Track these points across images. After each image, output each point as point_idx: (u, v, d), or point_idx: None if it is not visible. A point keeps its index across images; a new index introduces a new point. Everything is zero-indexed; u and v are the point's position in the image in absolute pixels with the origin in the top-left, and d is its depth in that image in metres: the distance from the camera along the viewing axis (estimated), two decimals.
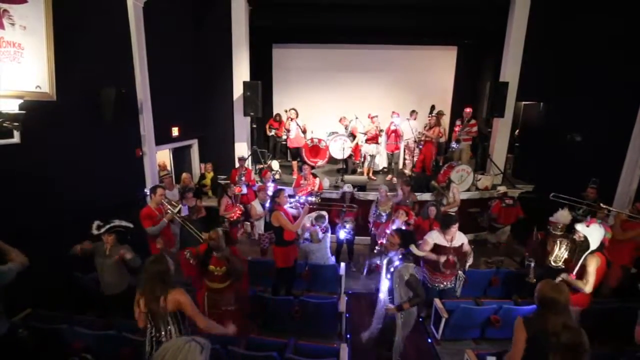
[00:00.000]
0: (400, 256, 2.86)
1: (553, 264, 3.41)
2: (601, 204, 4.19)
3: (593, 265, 2.93)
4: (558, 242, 3.48)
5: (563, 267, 3.35)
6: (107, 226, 3.21)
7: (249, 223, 5.66)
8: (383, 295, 2.98)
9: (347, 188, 5.32)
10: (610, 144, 5.20)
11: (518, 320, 2.03)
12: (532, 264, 3.73)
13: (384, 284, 2.96)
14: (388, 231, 4.15)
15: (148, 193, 4.23)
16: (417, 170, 7.06)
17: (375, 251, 4.50)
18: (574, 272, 3.03)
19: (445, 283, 3.76)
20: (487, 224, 5.66)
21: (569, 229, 3.55)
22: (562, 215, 3.71)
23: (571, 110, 6.15)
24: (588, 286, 2.94)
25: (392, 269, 2.87)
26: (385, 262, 2.98)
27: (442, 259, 3.58)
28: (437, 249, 3.61)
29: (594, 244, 2.96)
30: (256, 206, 5.20)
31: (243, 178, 5.83)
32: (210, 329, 2.27)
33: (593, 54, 5.69)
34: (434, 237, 3.65)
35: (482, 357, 2.78)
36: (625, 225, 3.93)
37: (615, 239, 3.80)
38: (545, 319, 1.93)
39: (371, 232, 5.29)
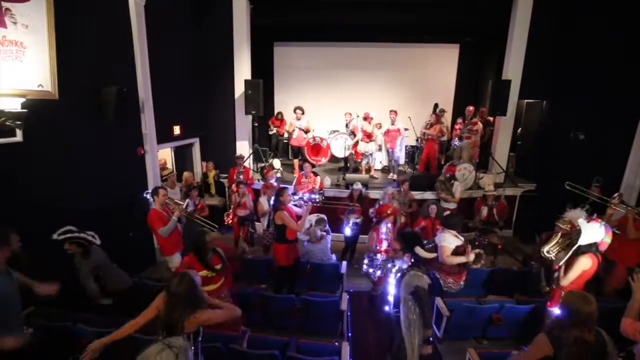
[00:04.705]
0: (409, 263, 2.58)
1: (545, 254, 3.22)
2: (622, 200, 4.00)
3: (579, 265, 2.83)
4: (559, 233, 3.32)
5: (554, 258, 3.19)
6: (66, 235, 3.03)
7: (259, 223, 5.70)
8: (389, 306, 2.74)
9: (356, 186, 5.33)
10: (614, 141, 5.17)
11: (542, 337, 1.96)
12: (542, 269, 3.65)
13: (392, 293, 2.73)
14: (382, 236, 4.10)
15: (150, 197, 4.13)
16: (421, 170, 7.06)
17: (365, 260, 4.19)
18: (558, 265, 2.99)
19: (460, 283, 3.67)
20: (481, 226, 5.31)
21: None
22: (575, 214, 3.62)
23: (574, 108, 6.11)
24: (565, 280, 2.87)
25: (398, 276, 2.62)
26: (393, 270, 2.76)
27: (471, 256, 3.41)
28: (455, 250, 3.47)
29: (583, 240, 2.84)
30: (263, 202, 5.24)
31: (241, 176, 5.85)
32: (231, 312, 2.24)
33: (596, 52, 5.64)
34: (451, 240, 3.46)
35: (483, 356, 2.77)
36: (637, 224, 3.80)
37: (624, 239, 3.69)
38: (576, 334, 1.85)
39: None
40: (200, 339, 2.17)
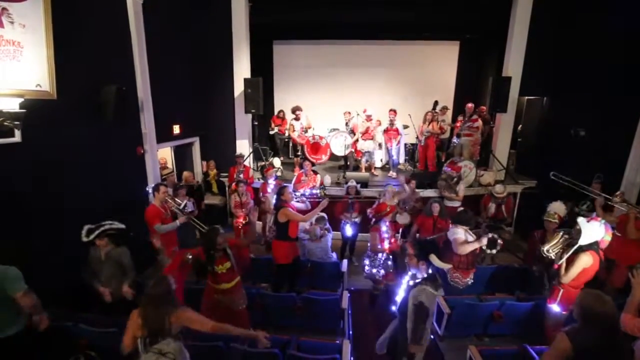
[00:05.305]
0: (424, 274, 2.49)
1: (546, 253, 3.16)
2: (623, 199, 3.98)
3: (580, 262, 2.84)
4: (559, 233, 3.26)
5: (554, 258, 3.15)
6: (97, 231, 3.10)
7: (260, 222, 5.68)
8: (396, 306, 2.75)
9: (351, 183, 5.35)
10: (614, 138, 5.15)
11: (561, 336, 1.91)
12: (544, 273, 3.64)
13: (400, 296, 2.71)
14: (384, 235, 4.08)
15: (151, 191, 4.24)
16: (421, 168, 7.04)
17: (366, 261, 4.18)
18: (558, 264, 2.98)
19: (466, 280, 3.66)
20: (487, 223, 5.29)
21: (570, 225, 3.46)
22: (556, 206, 3.65)
23: (575, 104, 6.09)
24: (566, 278, 2.87)
25: (411, 283, 2.57)
26: (407, 276, 2.66)
27: (484, 240, 3.40)
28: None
29: (583, 240, 2.84)
30: (271, 199, 5.22)
31: (241, 175, 5.84)
32: (228, 331, 2.22)
33: (597, 48, 5.61)
34: (464, 235, 3.47)
35: (485, 353, 2.77)
36: (638, 224, 3.75)
37: (625, 239, 3.68)
38: (592, 336, 1.81)
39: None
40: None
